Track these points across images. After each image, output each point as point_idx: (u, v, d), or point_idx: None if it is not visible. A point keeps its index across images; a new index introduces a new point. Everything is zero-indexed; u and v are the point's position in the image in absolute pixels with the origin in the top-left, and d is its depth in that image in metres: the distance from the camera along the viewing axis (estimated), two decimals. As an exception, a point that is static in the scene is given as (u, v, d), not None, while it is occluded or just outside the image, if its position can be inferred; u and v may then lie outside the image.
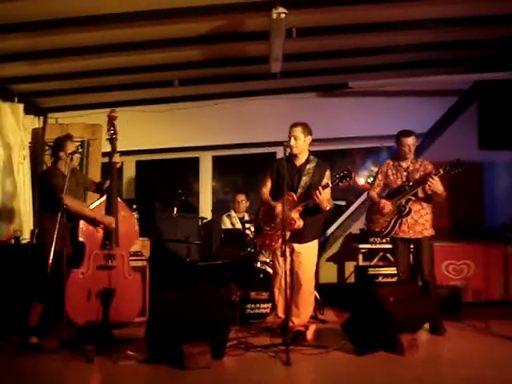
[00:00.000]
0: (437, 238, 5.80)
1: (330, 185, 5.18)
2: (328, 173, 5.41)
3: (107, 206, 5.31)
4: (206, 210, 8.42)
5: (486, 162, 7.76)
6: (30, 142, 7.47)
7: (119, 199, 5.45)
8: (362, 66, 7.23)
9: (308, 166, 5.42)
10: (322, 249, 7.73)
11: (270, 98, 8.04)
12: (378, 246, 7.41)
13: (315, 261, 5.56)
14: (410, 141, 5.66)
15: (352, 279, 7.75)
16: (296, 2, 5.23)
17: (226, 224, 7.43)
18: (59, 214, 4.77)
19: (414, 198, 5.58)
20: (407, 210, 5.57)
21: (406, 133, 5.70)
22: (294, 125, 5.42)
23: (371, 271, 7.09)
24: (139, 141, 8.02)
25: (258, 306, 6.16)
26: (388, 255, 7.39)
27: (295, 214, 5.29)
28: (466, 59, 7.20)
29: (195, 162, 8.64)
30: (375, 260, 7.60)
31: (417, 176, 5.64)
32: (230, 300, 5.73)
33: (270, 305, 6.09)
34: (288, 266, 5.20)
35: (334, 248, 8.13)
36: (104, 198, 5.35)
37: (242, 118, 8.14)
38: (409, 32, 6.14)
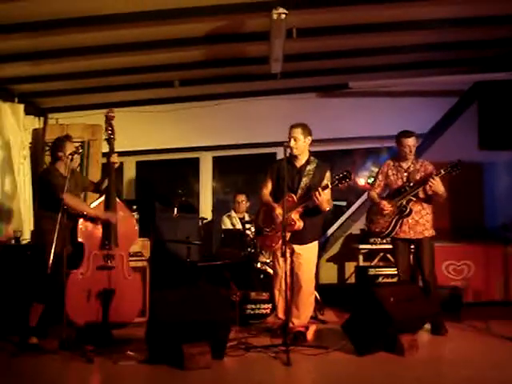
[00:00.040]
0: (437, 238, 5.80)
1: (330, 186, 5.18)
2: (328, 174, 5.41)
3: (106, 206, 5.32)
4: (206, 211, 8.42)
5: (486, 162, 7.76)
6: (30, 143, 7.47)
7: (118, 199, 5.46)
8: (362, 66, 7.23)
9: (308, 167, 5.42)
10: (322, 249, 7.74)
11: (271, 98, 8.04)
12: (378, 247, 7.40)
13: (315, 262, 5.57)
14: (411, 141, 5.66)
15: (352, 279, 7.75)
16: (296, 2, 5.24)
17: (227, 224, 7.43)
18: (59, 214, 4.78)
19: (414, 199, 5.58)
20: (408, 210, 5.57)
21: (407, 133, 5.69)
22: (294, 126, 5.41)
23: (371, 271, 7.09)
24: (139, 141, 8.03)
25: (258, 306, 6.15)
26: (388, 255, 7.39)
27: (295, 215, 5.29)
28: (466, 59, 7.20)
29: (195, 163, 8.63)
30: (375, 260, 7.59)
31: (417, 176, 5.63)
32: (230, 300, 5.74)
33: (270, 305, 6.08)
34: (288, 267, 5.20)
35: (335, 248, 8.13)
36: (103, 197, 5.36)
37: (243, 118, 8.14)
38: (409, 32, 6.14)
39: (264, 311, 6.15)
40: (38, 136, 7.65)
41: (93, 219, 5.22)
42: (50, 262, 4.58)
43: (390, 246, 6.15)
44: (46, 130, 7.73)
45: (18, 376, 4.37)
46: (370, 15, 5.69)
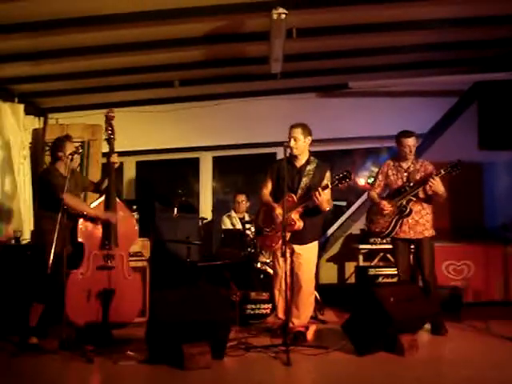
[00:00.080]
0: (437, 238, 5.80)
1: (330, 186, 5.18)
2: (328, 174, 5.41)
3: (106, 206, 5.32)
4: (206, 211, 8.42)
5: (485, 162, 7.76)
6: (30, 143, 7.47)
7: (118, 199, 5.46)
8: (362, 66, 7.23)
9: (308, 167, 5.42)
10: (322, 249, 7.75)
11: (271, 98, 8.04)
12: (378, 247, 7.41)
13: (315, 262, 5.57)
14: (411, 141, 5.66)
15: (352, 280, 7.75)
16: (296, 2, 5.24)
17: (227, 224, 7.43)
18: (59, 214, 4.78)
19: (414, 199, 5.58)
20: (408, 210, 5.56)
21: (407, 133, 5.69)
22: (294, 126, 5.41)
23: (371, 271, 7.09)
24: (139, 141, 8.03)
25: (258, 306, 6.15)
26: (388, 255, 7.39)
27: (295, 215, 5.29)
28: (466, 59, 7.20)
29: (195, 163, 8.63)
30: (375, 260, 7.59)
31: (417, 176, 5.63)
32: (230, 300, 5.74)
33: (270, 305, 6.08)
34: (288, 267, 5.20)
35: (335, 248, 8.13)
36: (103, 198, 5.36)
37: (242, 118, 8.14)
38: (409, 32, 6.14)
39: (264, 311, 6.15)
40: (37, 136, 7.65)
41: (93, 219, 5.22)
42: (50, 262, 4.58)
43: (390, 246, 6.15)
44: (45, 130, 7.73)
45: (18, 376, 4.37)
46: (370, 15, 5.69)
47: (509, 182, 7.64)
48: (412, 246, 5.78)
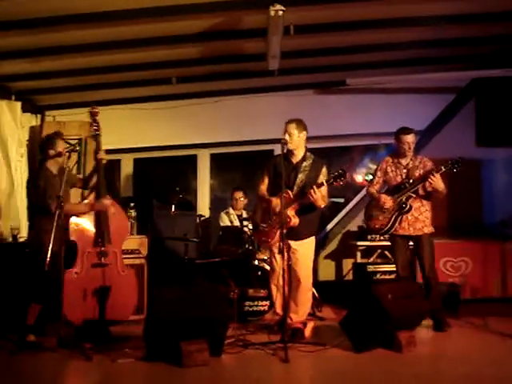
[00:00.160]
0: (435, 235, 5.80)
1: (325, 184, 5.20)
2: (324, 170, 5.42)
3: (96, 200, 5.34)
4: (203, 208, 8.39)
5: (483, 159, 7.76)
6: (27, 140, 7.45)
7: (108, 196, 5.45)
8: (360, 63, 7.21)
9: (304, 164, 5.43)
10: (321, 246, 7.76)
11: (268, 95, 8.03)
12: (376, 243, 7.41)
13: (312, 257, 5.56)
14: (410, 138, 5.66)
15: (350, 276, 7.73)
16: (293, -1, 5.23)
17: (224, 221, 7.42)
18: (56, 213, 4.75)
19: (414, 195, 5.59)
20: (408, 207, 5.57)
21: (406, 130, 5.70)
22: (289, 121, 5.43)
23: (369, 268, 7.08)
24: (137, 138, 8.02)
25: (256, 303, 6.16)
26: (386, 252, 7.39)
27: (291, 212, 5.29)
28: (462, 56, 7.18)
29: (193, 160, 8.62)
30: (373, 257, 7.59)
31: (417, 173, 5.64)
32: (228, 297, 5.75)
33: (268, 302, 6.09)
34: (285, 263, 5.20)
35: (333, 245, 8.12)
36: (93, 195, 5.37)
37: (240, 115, 8.12)
38: (406, 29, 6.13)
39: (262, 308, 6.16)
40: (35, 133, 7.63)
41: (83, 219, 5.22)
42: (48, 261, 4.56)
43: (388, 243, 6.15)
44: (43, 127, 7.71)
45: (16, 374, 4.37)
46: (367, 12, 5.68)
47: (507, 178, 7.65)
48: (411, 243, 5.78)
